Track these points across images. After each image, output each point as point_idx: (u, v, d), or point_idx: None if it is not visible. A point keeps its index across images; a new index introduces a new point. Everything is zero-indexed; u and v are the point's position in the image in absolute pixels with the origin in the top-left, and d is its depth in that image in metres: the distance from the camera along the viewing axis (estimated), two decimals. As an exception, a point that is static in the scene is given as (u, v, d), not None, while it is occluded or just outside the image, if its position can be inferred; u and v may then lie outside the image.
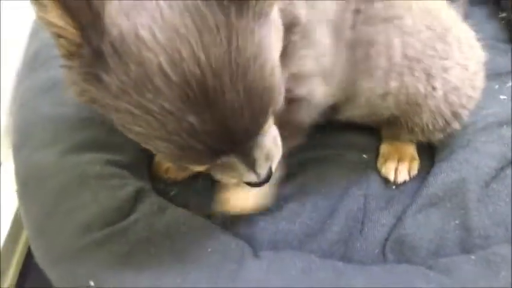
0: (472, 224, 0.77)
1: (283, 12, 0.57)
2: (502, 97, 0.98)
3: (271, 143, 0.56)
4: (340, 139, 0.91)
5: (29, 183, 0.66)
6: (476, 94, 0.85)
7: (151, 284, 0.57)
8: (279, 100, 0.52)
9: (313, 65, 0.68)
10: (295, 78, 0.66)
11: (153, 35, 0.43)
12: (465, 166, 0.83)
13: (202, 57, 0.43)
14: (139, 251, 0.59)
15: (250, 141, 0.51)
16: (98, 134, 0.69)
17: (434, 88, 0.79)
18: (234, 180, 0.57)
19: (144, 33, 0.42)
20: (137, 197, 0.65)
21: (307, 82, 0.69)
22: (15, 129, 0.72)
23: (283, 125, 0.68)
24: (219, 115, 0.45)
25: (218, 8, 0.44)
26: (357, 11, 0.71)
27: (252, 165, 0.54)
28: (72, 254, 0.59)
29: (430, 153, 0.91)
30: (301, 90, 0.69)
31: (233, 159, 0.52)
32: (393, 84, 0.77)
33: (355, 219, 0.81)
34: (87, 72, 0.44)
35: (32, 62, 0.76)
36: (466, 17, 1.05)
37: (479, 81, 0.84)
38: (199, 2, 0.43)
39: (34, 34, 0.82)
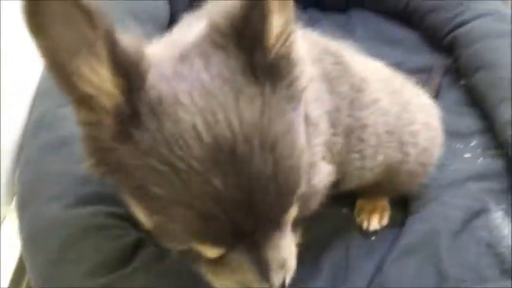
0: (446, 271, 0.84)
1: None
2: (466, 155, 1.08)
3: (288, 250, 0.53)
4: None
5: (35, 235, 0.70)
6: (439, 149, 0.95)
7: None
8: (302, 185, 0.51)
9: (321, 151, 0.70)
10: (310, 167, 0.66)
11: (191, 99, 0.45)
12: (435, 218, 0.92)
13: (236, 121, 0.44)
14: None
15: (270, 230, 0.49)
16: (101, 189, 0.74)
17: (407, 154, 0.87)
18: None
19: (183, 97, 0.45)
20: (137, 246, 0.70)
21: (317, 168, 0.70)
22: (21, 186, 0.76)
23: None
24: (245, 182, 0.45)
25: (255, 82, 0.47)
26: (352, 101, 0.76)
27: (265, 269, 0.50)
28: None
29: (404, 207, 0.99)
30: (314, 179, 0.70)
31: (244, 257, 0.49)
32: (380, 158, 0.83)
33: (340, 267, 0.87)
34: (120, 130, 0.45)
35: (38, 123, 0.82)
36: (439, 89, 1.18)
37: (440, 136, 0.94)
38: (237, 75, 0.46)
39: (39, 97, 0.89)
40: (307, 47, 0.70)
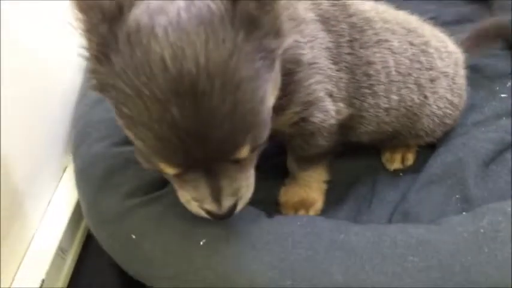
0: (472, 197, 0.84)
1: (288, 56, 0.64)
2: (502, 95, 1.07)
3: (244, 182, 0.60)
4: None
5: (85, 168, 0.82)
6: (461, 93, 0.95)
7: (180, 236, 0.70)
8: (261, 135, 0.56)
9: (321, 89, 0.74)
10: (308, 105, 0.73)
11: (165, 33, 0.49)
12: (462, 149, 0.92)
13: (202, 59, 0.48)
14: (171, 211, 0.72)
15: (223, 161, 0.55)
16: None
17: (426, 97, 0.88)
18: (195, 205, 0.60)
19: (158, 30, 0.49)
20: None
21: (321, 106, 0.75)
22: (76, 133, 0.89)
23: (307, 152, 0.81)
24: (201, 116, 0.49)
25: (229, 27, 0.50)
26: (352, 40, 0.79)
27: (217, 192, 0.57)
28: (118, 216, 0.73)
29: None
30: (317, 117, 0.75)
31: (200, 178, 0.56)
32: (394, 98, 0.84)
33: (364, 199, 0.90)
34: (100, 51, 0.51)
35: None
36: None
37: (459, 81, 0.94)
38: (215, 18, 0.50)
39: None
40: None
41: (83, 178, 0.81)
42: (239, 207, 0.61)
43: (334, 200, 0.91)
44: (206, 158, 0.53)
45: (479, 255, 0.65)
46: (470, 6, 1.30)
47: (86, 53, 0.55)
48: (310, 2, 0.75)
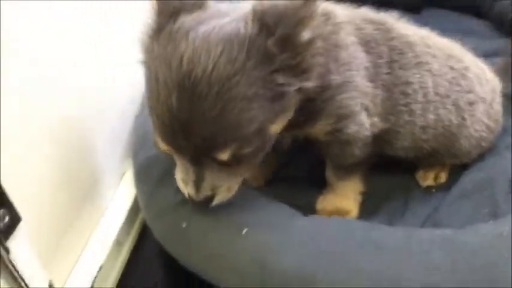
0: (500, 212, 0.88)
1: (316, 84, 0.70)
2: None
3: (225, 184, 0.70)
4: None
5: (143, 169, 0.92)
6: (498, 118, 1.01)
7: (224, 225, 0.78)
8: (245, 149, 0.65)
9: (356, 104, 0.80)
10: (342, 118, 0.80)
11: (194, 39, 0.61)
12: (493, 168, 0.98)
13: (210, 68, 0.59)
14: (217, 207, 0.80)
15: (207, 157, 0.65)
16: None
17: (464, 119, 0.94)
18: (181, 184, 0.71)
19: (191, 35, 0.61)
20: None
21: (356, 119, 0.81)
22: (136, 140, 1.00)
23: (343, 161, 0.88)
24: (192, 111, 0.60)
25: (245, 51, 0.60)
26: (392, 61, 0.85)
27: (198, 181, 0.68)
28: (172, 207, 0.82)
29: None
30: (351, 128, 0.81)
31: (188, 165, 0.67)
32: (431, 117, 0.90)
33: (397, 211, 0.96)
34: (150, 42, 0.66)
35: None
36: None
37: (496, 107, 1.00)
38: (236, 39, 0.60)
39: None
40: (349, 22, 0.83)
41: (141, 178, 0.91)
42: (215, 201, 0.71)
43: (367, 211, 0.96)
44: (190, 148, 0.64)
45: (500, 256, 0.70)
46: (504, 40, 1.36)
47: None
48: (354, 27, 0.83)
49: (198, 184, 0.68)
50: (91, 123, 0.95)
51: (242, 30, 0.61)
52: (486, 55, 1.30)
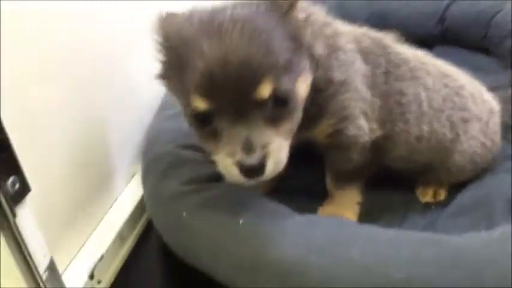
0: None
1: (320, 75, 0.78)
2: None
3: (275, 142, 0.68)
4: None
5: (150, 164, 0.96)
6: (494, 137, 1.04)
7: (222, 215, 0.81)
8: (282, 82, 0.67)
9: (355, 106, 0.85)
10: (343, 119, 0.85)
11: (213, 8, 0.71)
12: (491, 187, 0.99)
13: (229, 12, 0.68)
14: (219, 196, 0.84)
15: (248, 97, 0.65)
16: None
17: (458, 134, 0.98)
18: (229, 164, 0.67)
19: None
20: (220, 176, 0.90)
21: (356, 122, 0.86)
22: (147, 138, 1.06)
23: (342, 166, 0.92)
24: (225, 49, 0.64)
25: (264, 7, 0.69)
26: (387, 72, 0.91)
27: (247, 144, 0.65)
28: (175, 197, 0.85)
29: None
30: (351, 131, 0.86)
31: (232, 128, 0.66)
32: (425, 128, 0.95)
33: (395, 222, 0.98)
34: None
35: (163, 104, 1.13)
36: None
37: (493, 127, 1.03)
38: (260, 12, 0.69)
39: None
40: (349, 33, 0.90)
41: (149, 170, 0.96)
42: (269, 165, 0.67)
43: (366, 221, 0.97)
44: (233, 94, 0.65)
45: (487, 255, 0.71)
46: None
47: None
48: (353, 36, 0.89)
49: (247, 144, 0.65)
50: (112, 119, 1.01)
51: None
52: (494, 89, 1.34)
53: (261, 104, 0.67)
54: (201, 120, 0.70)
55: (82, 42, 0.90)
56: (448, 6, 1.59)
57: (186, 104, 0.70)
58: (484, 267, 0.68)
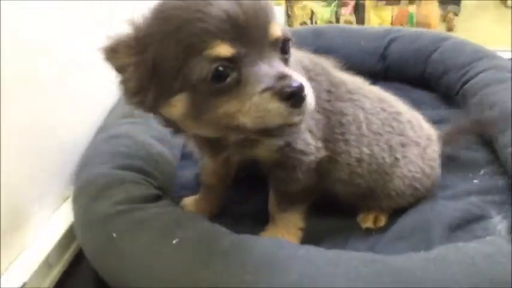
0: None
1: None
2: (475, 181, 1.17)
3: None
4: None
5: (84, 185, 0.91)
6: (433, 164, 1.05)
7: (155, 235, 0.77)
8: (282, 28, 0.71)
9: (304, 122, 0.84)
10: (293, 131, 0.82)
11: None
12: (430, 212, 0.99)
13: None
14: (152, 217, 0.80)
15: (266, 35, 0.68)
16: (136, 162, 0.96)
17: (397, 159, 0.99)
18: (267, 96, 0.65)
19: None
20: (156, 197, 0.88)
21: (302, 137, 0.86)
22: (81, 159, 1.01)
23: (287, 186, 0.91)
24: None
25: None
26: (329, 91, 0.93)
27: (280, 73, 0.66)
28: (105, 218, 0.81)
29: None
30: (299, 145, 0.86)
31: (260, 63, 0.66)
32: (365, 150, 0.95)
33: (336, 246, 0.94)
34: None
35: (101, 128, 1.10)
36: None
37: (431, 153, 1.05)
38: None
39: (109, 113, 1.17)
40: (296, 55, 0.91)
41: (81, 192, 0.91)
42: (305, 93, 0.66)
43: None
44: (255, 33, 0.67)
45: (426, 273, 0.70)
46: (449, 111, 1.45)
47: None
48: (294, 58, 0.89)
49: (282, 75, 0.66)
50: (45, 139, 0.97)
51: None
52: (434, 123, 1.39)
53: (276, 44, 0.70)
54: (219, 76, 0.67)
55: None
56: (389, 44, 1.65)
57: (188, 75, 0.67)
58: (424, 285, 0.67)
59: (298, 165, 0.88)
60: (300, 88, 0.65)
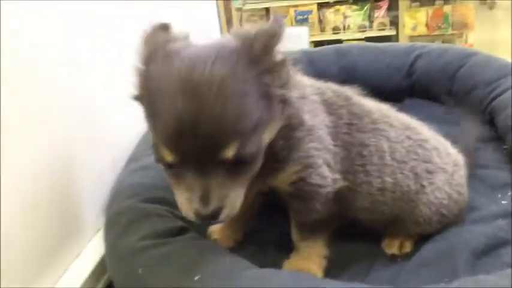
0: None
1: (293, 112, 0.81)
2: (503, 202, 1.15)
3: (233, 193, 0.72)
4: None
5: (113, 218, 0.95)
6: (461, 189, 1.04)
7: (178, 271, 0.80)
8: (247, 146, 0.70)
9: (320, 156, 0.87)
10: (307, 167, 0.86)
11: (188, 56, 0.71)
12: (456, 238, 0.98)
13: (207, 72, 0.67)
14: (177, 252, 0.83)
15: (214, 162, 0.68)
16: (163, 194, 0.99)
17: (422, 186, 0.98)
18: (186, 205, 0.72)
19: (185, 53, 0.72)
20: (181, 229, 0.91)
21: (319, 170, 0.87)
22: (111, 192, 1.05)
23: (306, 217, 0.92)
24: (197, 110, 0.66)
25: (234, 56, 0.70)
26: (350, 124, 0.93)
27: (205, 195, 0.70)
28: (132, 254, 0.84)
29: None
30: (314, 179, 0.87)
31: (193, 178, 0.69)
32: (388, 179, 0.95)
33: (359, 274, 0.96)
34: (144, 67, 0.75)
35: (130, 159, 1.14)
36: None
37: (458, 179, 1.04)
38: (226, 50, 0.71)
39: (138, 144, 1.22)
40: (312, 85, 0.93)
41: (110, 225, 0.95)
42: (223, 214, 0.72)
43: (331, 274, 0.96)
44: (196, 151, 0.68)
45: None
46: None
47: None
48: (316, 88, 0.92)
49: (205, 197, 0.70)
50: (81, 172, 1.03)
51: (228, 44, 0.73)
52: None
53: (224, 162, 0.70)
54: (167, 164, 0.73)
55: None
56: (415, 60, 1.64)
57: (155, 145, 0.74)
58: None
59: (316, 197, 0.89)
60: (210, 216, 0.71)
